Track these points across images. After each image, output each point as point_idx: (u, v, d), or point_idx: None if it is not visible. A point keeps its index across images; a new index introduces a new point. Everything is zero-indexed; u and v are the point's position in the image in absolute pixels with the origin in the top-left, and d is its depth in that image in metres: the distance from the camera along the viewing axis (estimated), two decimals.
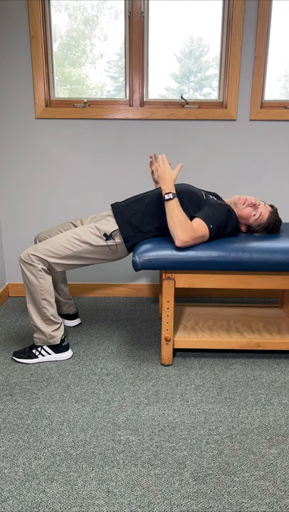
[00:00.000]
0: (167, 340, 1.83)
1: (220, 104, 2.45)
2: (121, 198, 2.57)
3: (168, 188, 1.72)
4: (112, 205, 1.95)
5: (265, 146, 2.48)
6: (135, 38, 2.35)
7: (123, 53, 2.42)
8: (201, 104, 2.45)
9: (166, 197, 1.71)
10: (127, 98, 2.45)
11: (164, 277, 1.78)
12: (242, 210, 1.88)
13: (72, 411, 1.55)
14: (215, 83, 2.47)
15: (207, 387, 1.71)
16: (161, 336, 2.16)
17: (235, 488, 1.21)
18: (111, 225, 1.85)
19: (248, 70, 2.36)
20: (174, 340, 1.87)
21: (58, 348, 1.89)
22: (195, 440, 1.40)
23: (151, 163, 2.03)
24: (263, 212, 1.88)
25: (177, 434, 1.43)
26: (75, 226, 2.05)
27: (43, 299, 1.81)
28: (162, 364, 1.88)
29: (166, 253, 1.71)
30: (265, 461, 1.31)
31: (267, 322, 2.09)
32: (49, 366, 1.86)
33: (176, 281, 1.78)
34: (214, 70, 2.46)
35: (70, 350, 1.94)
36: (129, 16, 2.33)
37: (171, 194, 1.71)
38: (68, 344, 1.94)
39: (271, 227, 1.90)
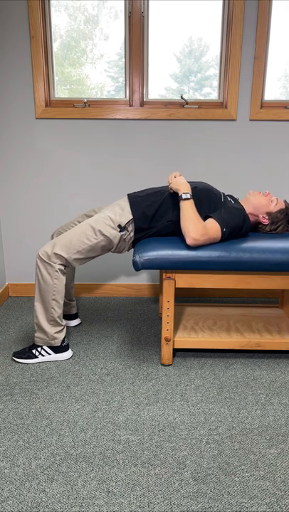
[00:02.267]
0: (167, 340, 1.83)
1: (220, 104, 2.45)
2: (119, 197, 2.57)
3: (185, 189, 1.77)
4: (128, 194, 1.94)
5: (265, 146, 2.48)
6: (135, 38, 2.35)
7: (123, 53, 2.42)
8: (201, 104, 2.45)
9: (184, 196, 1.75)
10: (127, 98, 2.45)
11: (164, 277, 1.78)
12: (260, 200, 1.91)
13: (72, 411, 1.55)
14: (215, 83, 2.47)
15: (207, 387, 1.71)
16: (161, 336, 2.16)
17: (235, 488, 1.21)
18: (125, 215, 1.84)
19: (248, 70, 2.36)
20: (174, 340, 1.87)
21: (57, 348, 1.89)
22: (195, 440, 1.40)
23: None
24: (279, 200, 1.95)
25: (177, 434, 1.43)
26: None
27: (53, 300, 1.81)
28: (162, 364, 1.88)
29: (167, 253, 1.71)
30: (265, 461, 1.31)
31: (267, 322, 2.09)
32: (49, 366, 1.86)
33: (176, 281, 1.78)
34: (214, 70, 2.46)
35: (70, 350, 1.94)
36: (129, 16, 2.33)
37: (188, 194, 1.75)
38: (68, 344, 1.94)
39: None
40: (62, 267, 1.80)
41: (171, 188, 1.83)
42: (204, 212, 1.83)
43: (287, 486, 1.21)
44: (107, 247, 1.85)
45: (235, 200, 1.96)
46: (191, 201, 1.75)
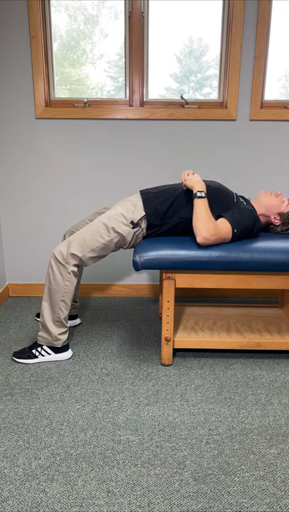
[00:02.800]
0: (167, 340, 1.83)
1: (220, 104, 2.45)
2: (121, 197, 2.57)
3: (200, 187, 1.76)
4: (141, 191, 1.93)
5: (265, 146, 2.48)
6: (135, 38, 2.35)
7: (123, 53, 2.42)
8: (201, 104, 2.45)
9: (199, 194, 1.74)
10: (127, 98, 2.45)
11: (164, 277, 1.78)
12: (272, 200, 1.91)
13: (72, 411, 1.55)
14: (215, 83, 2.47)
15: (207, 387, 1.71)
16: (161, 336, 2.16)
17: (235, 488, 1.21)
18: (138, 212, 1.84)
19: (248, 70, 2.36)
20: (174, 340, 1.87)
21: (57, 348, 1.89)
22: (195, 440, 1.40)
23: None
24: None
25: (177, 434, 1.43)
26: None
27: (62, 301, 1.81)
28: (162, 364, 1.88)
29: (167, 253, 1.71)
30: (265, 461, 1.31)
31: (267, 322, 2.09)
32: (49, 366, 1.86)
33: (176, 281, 1.78)
34: (214, 70, 2.46)
35: (70, 350, 1.94)
36: (129, 16, 2.33)
37: (203, 193, 1.75)
38: (68, 344, 1.94)
39: None
40: (76, 269, 1.80)
41: (185, 185, 1.83)
42: (216, 211, 1.82)
43: (287, 486, 1.21)
44: (120, 244, 1.85)
45: (247, 201, 1.95)
46: (205, 200, 1.74)
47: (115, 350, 2.02)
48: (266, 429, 1.45)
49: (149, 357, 1.95)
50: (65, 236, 2.10)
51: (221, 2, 2.33)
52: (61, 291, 1.79)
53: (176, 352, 2.00)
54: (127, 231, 1.81)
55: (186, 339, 1.87)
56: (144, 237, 1.89)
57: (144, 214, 1.83)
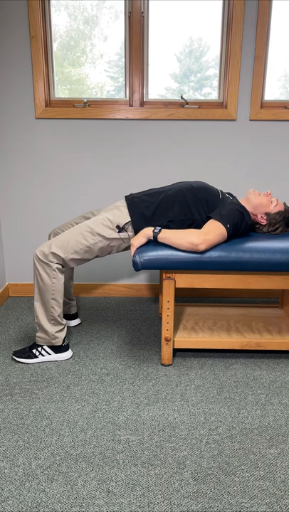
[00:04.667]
0: (167, 340, 1.83)
1: (220, 104, 2.45)
2: (120, 197, 2.57)
3: (149, 229, 1.74)
4: (126, 196, 1.93)
5: (265, 146, 2.48)
6: (135, 38, 2.35)
7: (123, 53, 2.42)
8: (201, 104, 2.45)
9: (156, 230, 1.72)
10: (127, 98, 2.45)
11: (164, 277, 1.78)
12: (261, 199, 1.90)
13: (72, 411, 1.55)
14: (215, 83, 2.47)
15: (207, 387, 1.71)
16: (161, 336, 2.16)
17: (235, 488, 1.21)
18: (124, 217, 1.84)
19: (248, 70, 2.36)
20: (174, 340, 1.87)
21: (57, 348, 1.89)
22: (195, 440, 1.40)
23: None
24: (279, 202, 1.93)
25: (177, 434, 1.43)
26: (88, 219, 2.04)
27: (53, 299, 1.81)
28: (162, 364, 1.88)
29: (167, 253, 1.71)
30: (265, 461, 1.31)
31: (267, 322, 2.09)
32: (49, 366, 1.86)
33: (176, 281, 1.78)
34: (214, 70, 2.46)
35: (70, 350, 1.94)
36: (129, 16, 2.33)
37: (156, 228, 1.73)
38: (68, 344, 1.94)
39: (288, 215, 1.93)
40: (60, 266, 1.80)
41: (137, 244, 1.76)
42: (203, 211, 1.83)
43: (287, 486, 1.21)
44: (106, 250, 1.85)
45: (234, 197, 1.96)
46: (164, 230, 1.73)
47: (115, 350, 2.02)
48: (266, 429, 1.45)
49: (149, 357, 1.95)
50: (50, 236, 2.10)
51: (221, 2, 2.33)
52: (50, 290, 1.79)
53: (176, 352, 2.00)
54: (113, 235, 1.81)
55: (186, 339, 1.87)
56: None
57: (130, 220, 1.83)
